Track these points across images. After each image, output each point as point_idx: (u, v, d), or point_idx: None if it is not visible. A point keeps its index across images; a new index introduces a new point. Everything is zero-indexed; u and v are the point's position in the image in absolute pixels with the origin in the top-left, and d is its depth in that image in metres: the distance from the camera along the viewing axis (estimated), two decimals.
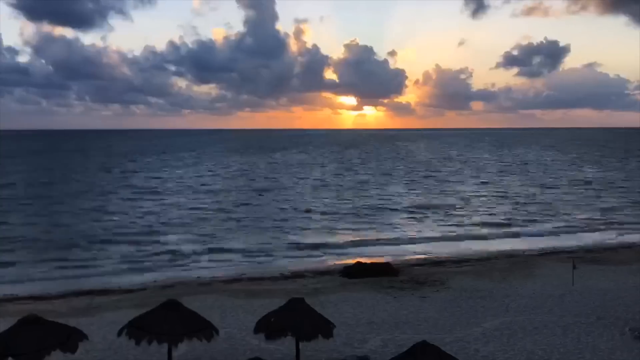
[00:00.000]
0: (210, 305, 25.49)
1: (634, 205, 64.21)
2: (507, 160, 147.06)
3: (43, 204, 64.94)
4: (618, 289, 28.47)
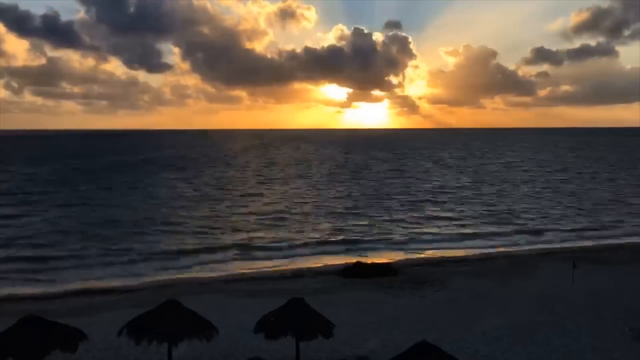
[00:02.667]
0: (210, 305, 25.45)
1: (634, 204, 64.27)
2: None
3: (42, 204, 64.93)
4: (618, 289, 28.49)
